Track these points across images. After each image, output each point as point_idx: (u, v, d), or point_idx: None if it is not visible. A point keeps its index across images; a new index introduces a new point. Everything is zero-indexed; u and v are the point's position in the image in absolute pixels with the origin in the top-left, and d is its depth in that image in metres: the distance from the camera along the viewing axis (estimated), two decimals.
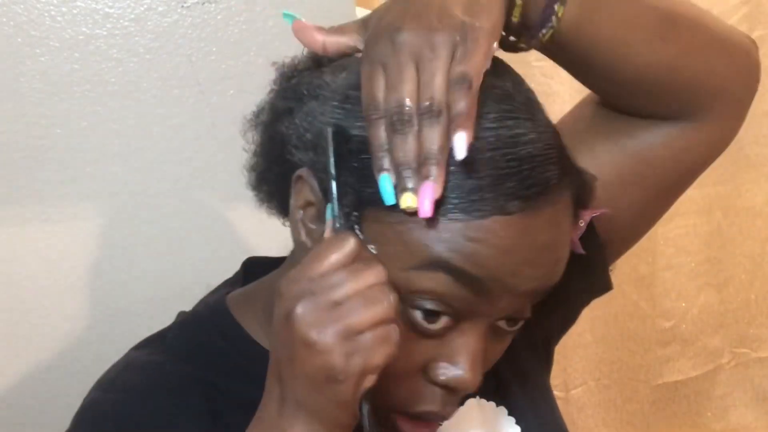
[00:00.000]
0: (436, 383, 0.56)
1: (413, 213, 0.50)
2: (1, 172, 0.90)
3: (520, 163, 0.52)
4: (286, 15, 0.57)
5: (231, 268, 1.03)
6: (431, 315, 0.53)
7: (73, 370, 0.95)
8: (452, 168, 0.51)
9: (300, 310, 0.47)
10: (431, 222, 0.51)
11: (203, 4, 0.94)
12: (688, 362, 1.55)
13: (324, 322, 0.47)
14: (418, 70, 0.50)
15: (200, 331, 0.66)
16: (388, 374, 0.51)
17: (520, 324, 0.58)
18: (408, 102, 0.50)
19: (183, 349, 0.64)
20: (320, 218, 0.56)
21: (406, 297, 0.52)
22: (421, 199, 0.49)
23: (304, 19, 0.57)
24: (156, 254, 0.97)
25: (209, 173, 0.98)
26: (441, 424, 0.60)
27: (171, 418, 0.60)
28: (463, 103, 0.49)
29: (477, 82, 0.50)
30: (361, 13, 1.03)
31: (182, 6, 0.93)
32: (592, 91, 0.68)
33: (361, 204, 0.53)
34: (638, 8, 0.61)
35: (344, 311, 0.47)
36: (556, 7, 0.57)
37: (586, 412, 1.50)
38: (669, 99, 0.64)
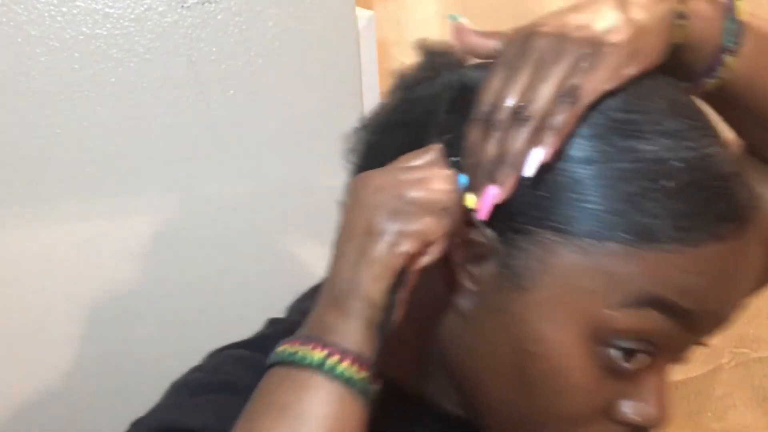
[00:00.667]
0: (623, 423, 0.51)
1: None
2: (1, 172, 0.90)
3: (724, 183, 0.48)
4: (451, 17, 0.55)
5: (231, 267, 1.03)
6: (629, 353, 0.49)
7: (73, 369, 0.95)
8: (659, 192, 0.47)
9: (366, 178, 0.47)
10: (640, 254, 0.47)
11: (203, 4, 0.94)
12: (688, 362, 1.55)
13: (383, 188, 0.46)
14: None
15: None
16: (572, 418, 0.50)
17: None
18: (507, 103, 0.48)
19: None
20: (493, 254, 0.51)
21: (605, 336, 0.48)
22: (481, 202, 0.47)
23: (465, 21, 0.54)
24: (156, 254, 0.97)
25: (209, 173, 0.98)
26: None
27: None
28: (559, 118, 0.46)
29: (586, 99, 0.47)
30: (361, 13, 1.03)
31: (182, 6, 0.93)
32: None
33: (551, 231, 0.48)
34: None
35: (404, 183, 0.46)
36: (724, 56, 0.53)
37: None
38: None
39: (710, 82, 0.54)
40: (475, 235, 0.50)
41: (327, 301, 0.47)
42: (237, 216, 0.98)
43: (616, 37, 0.48)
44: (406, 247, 0.45)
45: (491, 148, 0.48)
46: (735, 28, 0.54)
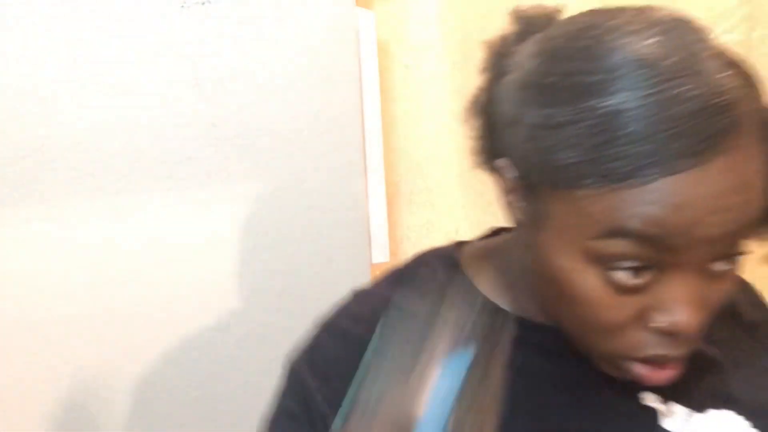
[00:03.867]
0: (654, 330, 0.59)
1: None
2: (1, 172, 0.90)
3: (684, 121, 0.54)
4: None
5: (230, 266, 1.03)
6: (633, 272, 0.57)
7: (73, 369, 0.95)
8: (618, 140, 0.55)
9: None
10: (608, 193, 0.56)
11: (203, 4, 0.94)
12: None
13: None
14: None
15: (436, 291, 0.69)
16: (607, 328, 0.60)
17: (736, 261, 0.60)
18: None
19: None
20: (526, 197, 0.62)
21: (602, 261, 0.58)
22: None
23: None
24: (156, 254, 0.97)
25: (209, 173, 0.98)
26: (682, 361, 0.62)
27: None
28: None
29: None
30: (361, 13, 1.03)
31: (182, 6, 0.93)
32: None
33: (547, 184, 0.59)
34: None
35: None
36: None
37: None
38: None
39: None
40: (507, 176, 0.62)
41: None
42: (237, 215, 0.98)
43: None
44: None
45: None
46: None
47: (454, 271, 0.72)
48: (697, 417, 0.69)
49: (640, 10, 0.60)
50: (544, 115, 0.58)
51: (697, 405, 0.69)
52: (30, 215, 0.92)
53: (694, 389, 0.68)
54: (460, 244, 0.76)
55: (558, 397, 0.67)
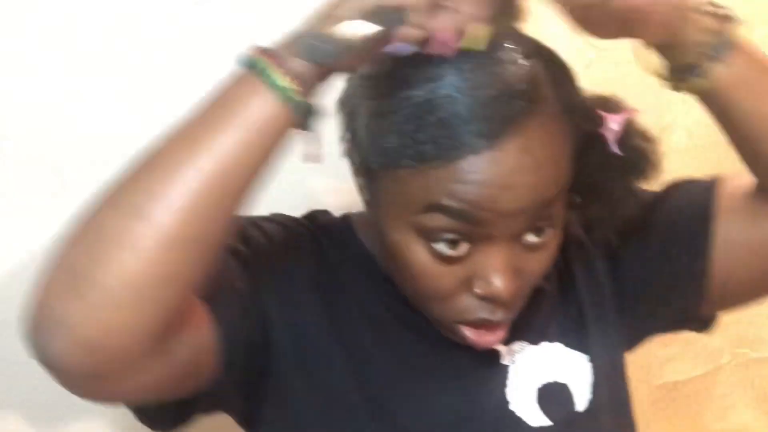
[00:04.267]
0: (476, 295, 0.68)
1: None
2: (0, 172, 0.90)
3: (481, 107, 0.62)
4: None
5: None
6: (451, 243, 0.66)
7: None
8: (427, 122, 0.62)
9: None
10: (422, 172, 0.63)
11: (203, 4, 0.94)
12: (688, 362, 1.54)
13: None
14: None
15: (333, 224, 0.81)
16: (438, 296, 0.68)
17: (547, 234, 0.68)
18: None
19: (320, 224, 0.81)
20: (366, 179, 0.70)
21: (425, 234, 0.66)
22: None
23: None
24: None
25: None
26: (507, 324, 0.71)
27: (296, 243, 0.77)
28: None
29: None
30: None
31: (182, 6, 0.93)
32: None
33: (376, 166, 0.66)
34: None
35: None
36: (706, 63, 0.65)
37: None
38: None
39: (693, 81, 0.67)
40: (352, 162, 0.71)
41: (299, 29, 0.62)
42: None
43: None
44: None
45: None
46: (726, 41, 0.66)
47: (346, 222, 0.81)
48: (531, 349, 0.78)
49: None
50: (374, 106, 0.65)
51: (534, 339, 0.78)
52: (29, 215, 0.92)
53: (534, 326, 0.78)
54: (350, 213, 0.83)
55: (417, 344, 0.75)
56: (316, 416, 0.73)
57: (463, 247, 0.66)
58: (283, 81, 0.58)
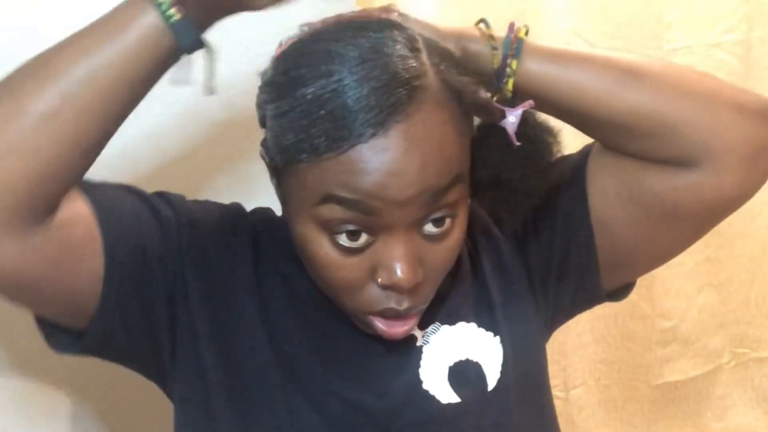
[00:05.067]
0: (380, 285, 0.69)
1: None
2: None
3: (366, 97, 0.64)
4: None
5: None
6: (351, 235, 0.67)
7: (72, 368, 0.96)
8: (319, 117, 0.65)
9: None
10: (316, 165, 0.66)
11: None
12: (688, 362, 1.55)
13: None
14: None
15: (271, 216, 0.85)
16: (345, 287, 0.70)
17: (447, 224, 0.69)
18: None
19: (257, 215, 0.85)
20: (276, 178, 0.72)
21: (326, 227, 0.68)
22: None
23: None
24: None
25: (209, 173, 0.99)
26: (416, 314, 0.73)
27: (232, 222, 0.81)
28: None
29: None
30: None
31: None
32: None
33: (281, 163, 0.69)
34: (593, 62, 0.74)
35: None
36: (509, 61, 0.73)
37: (585, 412, 1.50)
38: (654, 143, 0.73)
39: (506, 82, 0.73)
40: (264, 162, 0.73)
41: None
42: None
43: None
44: None
45: None
46: (509, 39, 0.73)
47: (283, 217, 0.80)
48: (446, 329, 0.80)
49: (355, 17, 0.71)
50: (274, 107, 0.68)
51: (449, 320, 0.80)
52: None
53: (449, 307, 0.80)
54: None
55: (336, 327, 0.77)
56: (227, 385, 0.76)
57: (363, 238, 0.68)
58: (164, 1, 0.66)
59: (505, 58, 0.73)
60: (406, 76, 0.66)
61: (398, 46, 0.67)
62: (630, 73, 0.73)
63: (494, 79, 0.74)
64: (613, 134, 0.75)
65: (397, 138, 0.65)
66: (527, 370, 0.82)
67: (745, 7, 1.39)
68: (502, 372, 0.79)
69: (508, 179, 0.75)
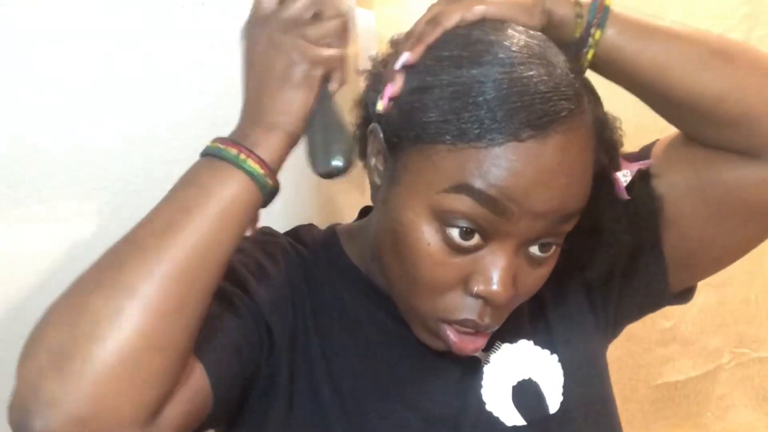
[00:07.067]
0: (472, 295, 0.67)
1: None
2: (1, 172, 0.90)
3: (531, 98, 0.62)
4: None
5: None
6: (465, 233, 0.65)
7: None
8: (474, 102, 0.62)
9: (271, 25, 0.66)
10: (459, 151, 0.63)
11: (203, 4, 0.94)
12: (688, 362, 1.54)
13: (289, 31, 0.65)
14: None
15: (316, 236, 0.82)
16: (433, 286, 0.67)
17: (553, 250, 0.68)
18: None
19: (303, 239, 0.81)
20: (389, 156, 0.69)
21: (442, 217, 0.65)
22: (383, 98, 0.67)
23: None
24: None
25: None
26: (489, 333, 0.71)
27: (278, 258, 0.77)
28: (424, 33, 0.67)
29: (444, 22, 0.67)
30: (361, 13, 1.03)
31: (182, 6, 0.93)
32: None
33: (408, 141, 0.66)
34: (680, 39, 0.71)
35: (307, 28, 0.64)
36: (592, 30, 0.69)
37: None
38: (732, 131, 0.71)
39: (586, 52, 0.70)
40: (375, 139, 0.70)
41: (250, 121, 0.66)
42: None
43: None
44: (318, 71, 0.65)
45: (392, 60, 0.68)
46: (596, 6, 0.70)
47: (331, 234, 0.81)
48: (506, 347, 0.78)
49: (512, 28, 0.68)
50: (417, 81, 0.66)
51: (509, 338, 0.78)
52: (30, 215, 0.92)
53: (509, 324, 0.75)
54: (337, 224, 0.84)
55: (395, 350, 0.75)
56: (290, 420, 0.72)
57: (475, 240, 0.65)
58: (256, 167, 0.63)
59: (588, 26, 0.69)
60: (570, 92, 0.64)
61: (561, 59, 0.66)
62: (719, 55, 0.70)
63: (573, 47, 0.70)
64: (692, 119, 0.72)
65: (554, 148, 0.63)
66: (591, 390, 0.79)
67: (745, 7, 1.39)
68: (564, 393, 0.77)
69: (605, 229, 0.74)
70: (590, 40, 0.69)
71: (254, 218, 0.66)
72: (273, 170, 0.64)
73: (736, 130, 0.70)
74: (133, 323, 0.57)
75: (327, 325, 0.75)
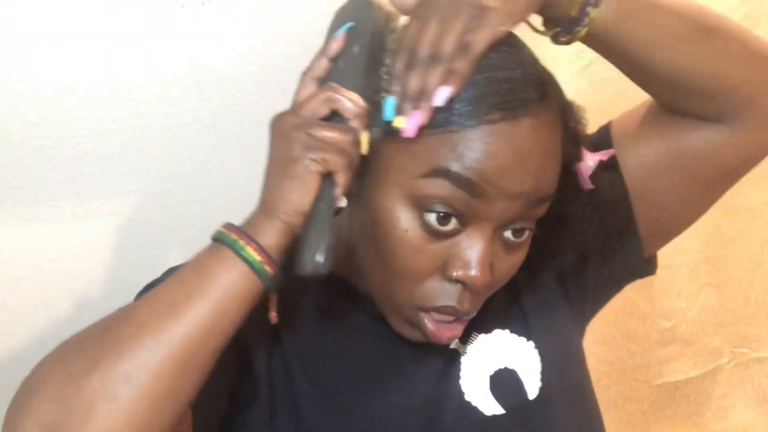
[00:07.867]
0: (451, 280, 0.67)
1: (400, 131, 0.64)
2: (1, 172, 0.90)
3: (500, 83, 0.64)
4: None
5: None
6: (442, 218, 0.65)
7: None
8: (449, 90, 0.63)
9: (285, 117, 0.64)
10: (434, 135, 0.64)
11: (203, 4, 0.94)
12: (688, 362, 1.55)
13: (299, 127, 0.63)
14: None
15: None
16: (411, 274, 0.67)
17: (526, 235, 0.69)
18: (423, 48, 0.64)
19: None
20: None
21: (419, 203, 0.65)
22: (408, 123, 0.64)
23: None
24: (156, 254, 0.97)
25: (209, 173, 0.99)
26: (465, 321, 0.71)
27: None
28: (460, 64, 0.64)
29: (476, 49, 0.64)
30: None
31: (182, 6, 0.93)
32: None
33: (386, 129, 0.66)
34: (670, 16, 0.71)
35: (315, 126, 0.63)
36: (588, 9, 0.69)
37: None
38: (707, 100, 0.74)
39: (579, 30, 0.70)
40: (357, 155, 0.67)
41: (259, 208, 0.65)
42: (237, 216, 0.98)
43: (492, 2, 0.65)
44: (316, 168, 0.63)
45: (414, 82, 0.64)
46: None
47: None
48: (482, 337, 0.79)
49: None
50: (393, 70, 0.66)
51: (485, 327, 0.79)
52: (30, 215, 0.92)
53: (485, 314, 0.76)
54: None
55: (373, 346, 0.76)
56: (273, 429, 0.73)
57: (452, 225, 0.66)
58: (253, 255, 0.63)
59: (585, 5, 0.70)
60: (537, 79, 0.66)
61: (526, 50, 0.68)
62: (702, 30, 0.72)
63: (565, 24, 0.70)
64: (670, 90, 0.75)
65: (526, 130, 0.64)
66: (569, 376, 0.81)
67: (745, 7, 1.39)
68: (542, 380, 0.77)
69: (572, 218, 0.75)
70: (586, 19, 0.70)
71: (273, 302, 0.66)
72: (272, 258, 0.63)
73: (712, 99, 0.73)
74: (126, 407, 0.59)
75: (304, 329, 0.75)
